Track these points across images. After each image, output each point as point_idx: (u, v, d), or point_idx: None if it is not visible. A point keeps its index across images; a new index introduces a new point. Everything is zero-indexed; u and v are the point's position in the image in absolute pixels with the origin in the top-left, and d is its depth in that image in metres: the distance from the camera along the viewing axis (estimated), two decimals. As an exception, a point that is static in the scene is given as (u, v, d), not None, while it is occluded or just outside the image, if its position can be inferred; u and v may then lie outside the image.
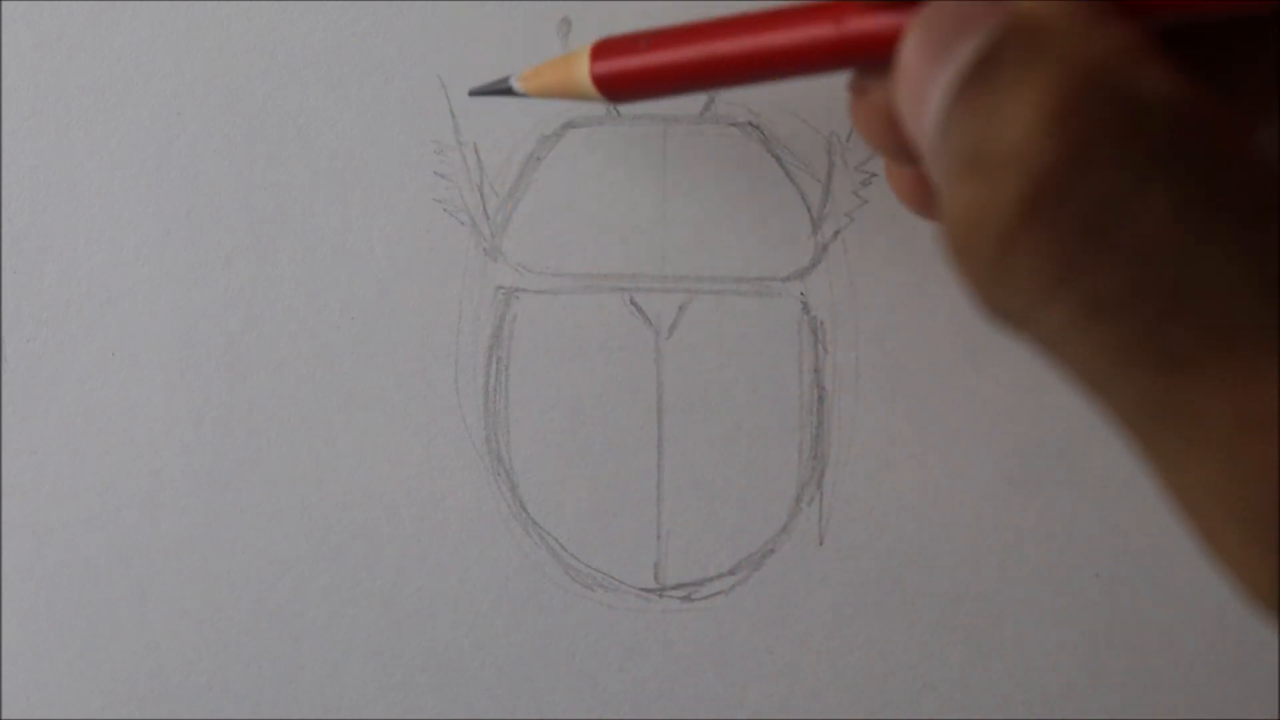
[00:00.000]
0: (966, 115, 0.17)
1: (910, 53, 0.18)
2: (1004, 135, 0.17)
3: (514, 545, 0.29)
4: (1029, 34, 0.17)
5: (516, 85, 0.27)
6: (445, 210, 0.29)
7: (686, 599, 0.29)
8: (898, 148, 0.22)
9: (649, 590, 0.29)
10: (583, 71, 0.25)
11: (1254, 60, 0.21)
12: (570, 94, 0.25)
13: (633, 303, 0.29)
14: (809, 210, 0.28)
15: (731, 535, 0.29)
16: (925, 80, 0.18)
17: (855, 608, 0.29)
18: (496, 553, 0.29)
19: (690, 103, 0.28)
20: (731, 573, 0.29)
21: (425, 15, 0.28)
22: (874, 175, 0.28)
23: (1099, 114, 0.16)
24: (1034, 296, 0.17)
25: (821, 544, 0.29)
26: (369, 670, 0.30)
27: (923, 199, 0.24)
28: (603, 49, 0.25)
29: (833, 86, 0.28)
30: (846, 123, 0.28)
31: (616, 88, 0.25)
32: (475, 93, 0.28)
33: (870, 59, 0.21)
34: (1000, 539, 0.28)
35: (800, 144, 0.28)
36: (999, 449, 0.28)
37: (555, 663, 0.30)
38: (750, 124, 0.28)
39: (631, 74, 0.24)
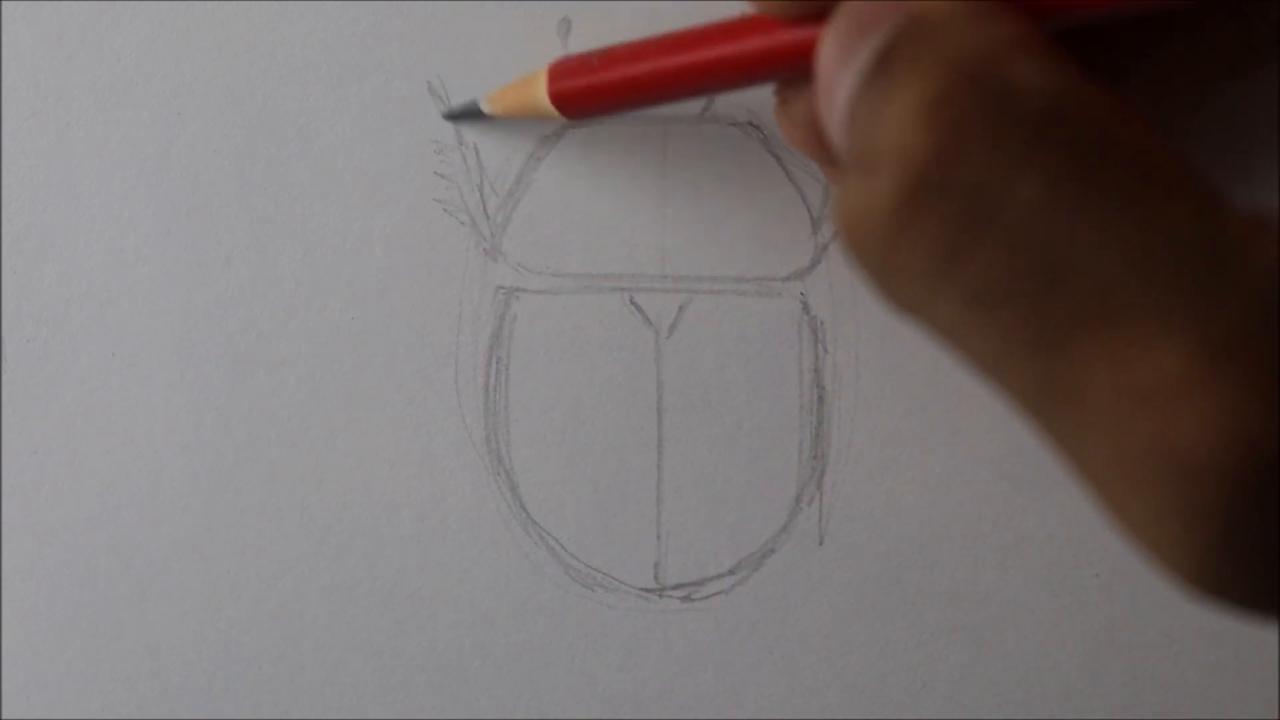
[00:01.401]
0: (859, 112, 0.18)
1: (824, 57, 0.19)
2: (886, 129, 0.17)
3: (514, 545, 0.29)
4: (919, 31, 0.17)
5: (485, 107, 0.27)
6: (445, 210, 0.29)
7: (686, 599, 0.29)
8: (819, 151, 0.23)
9: (649, 590, 0.29)
10: (542, 91, 0.26)
11: (1170, 53, 0.22)
12: (532, 113, 0.26)
13: (633, 303, 0.29)
14: (809, 210, 0.28)
15: (731, 535, 0.29)
16: (835, 82, 0.18)
17: (855, 608, 0.29)
18: (496, 553, 0.29)
19: (690, 103, 0.28)
20: (731, 573, 0.29)
21: (425, 15, 0.28)
22: (874, 175, 0.28)
23: (972, 105, 0.16)
24: (923, 287, 0.17)
25: (821, 544, 0.29)
26: (369, 670, 0.30)
27: None
28: (559, 69, 0.26)
29: (833, 86, 0.28)
30: (846, 123, 0.28)
31: (572, 105, 0.26)
32: (449, 116, 0.28)
33: (798, 69, 0.21)
34: (1000, 539, 0.28)
35: (800, 144, 0.28)
36: (999, 449, 0.28)
37: (555, 663, 0.30)
38: (750, 124, 0.28)
39: (583, 91, 0.25)
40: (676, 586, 0.29)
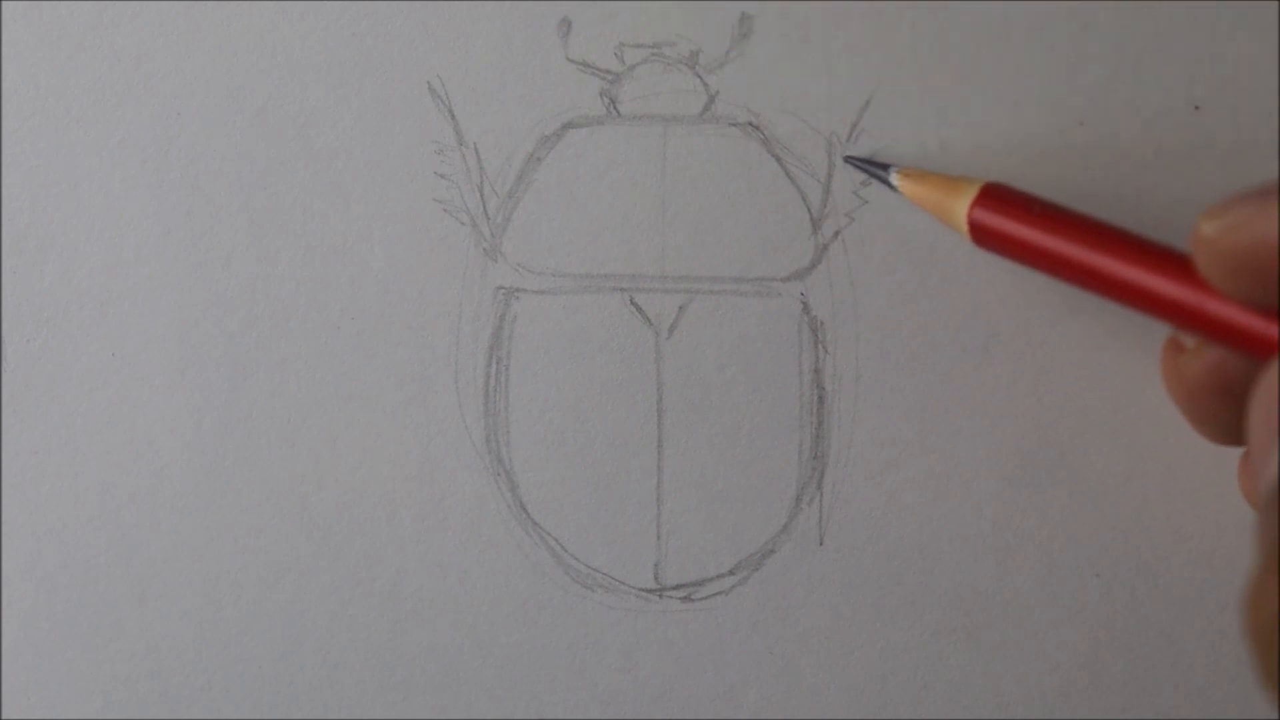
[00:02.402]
0: None
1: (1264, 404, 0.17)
2: None
3: (514, 545, 0.29)
4: None
5: (894, 178, 0.27)
6: (445, 210, 0.29)
7: (686, 599, 0.29)
8: (1198, 418, 0.20)
9: (649, 590, 0.29)
10: (963, 206, 0.25)
11: None
12: (939, 214, 0.26)
13: (633, 303, 0.29)
14: (809, 210, 0.28)
15: (731, 535, 0.29)
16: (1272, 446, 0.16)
17: (855, 608, 0.29)
18: (496, 553, 0.29)
19: (690, 103, 0.28)
20: (731, 573, 0.29)
21: (425, 15, 0.28)
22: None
23: None
24: None
25: (821, 544, 0.29)
26: (369, 670, 0.30)
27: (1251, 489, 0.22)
28: (990, 195, 0.25)
29: (833, 86, 0.28)
30: (846, 122, 0.28)
31: (986, 238, 0.25)
32: (848, 159, 0.27)
33: (1228, 345, 0.20)
34: (1000, 539, 0.28)
35: (800, 144, 0.28)
36: (999, 449, 0.28)
37: (555, 663, 0.30)
38: (750, 124, 0.28)
39: (1005, 237, 0.24)
40: (676, 587, 0.29)
